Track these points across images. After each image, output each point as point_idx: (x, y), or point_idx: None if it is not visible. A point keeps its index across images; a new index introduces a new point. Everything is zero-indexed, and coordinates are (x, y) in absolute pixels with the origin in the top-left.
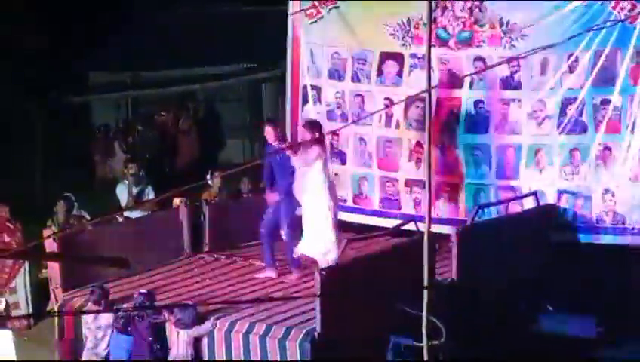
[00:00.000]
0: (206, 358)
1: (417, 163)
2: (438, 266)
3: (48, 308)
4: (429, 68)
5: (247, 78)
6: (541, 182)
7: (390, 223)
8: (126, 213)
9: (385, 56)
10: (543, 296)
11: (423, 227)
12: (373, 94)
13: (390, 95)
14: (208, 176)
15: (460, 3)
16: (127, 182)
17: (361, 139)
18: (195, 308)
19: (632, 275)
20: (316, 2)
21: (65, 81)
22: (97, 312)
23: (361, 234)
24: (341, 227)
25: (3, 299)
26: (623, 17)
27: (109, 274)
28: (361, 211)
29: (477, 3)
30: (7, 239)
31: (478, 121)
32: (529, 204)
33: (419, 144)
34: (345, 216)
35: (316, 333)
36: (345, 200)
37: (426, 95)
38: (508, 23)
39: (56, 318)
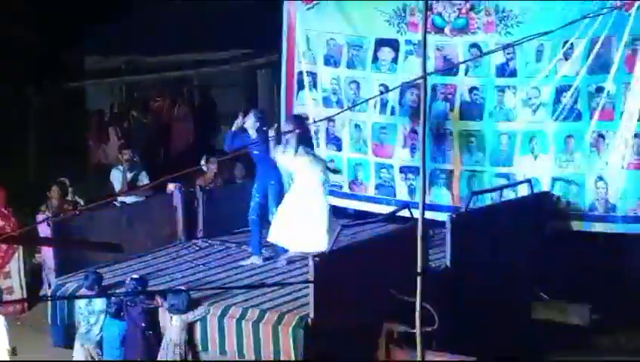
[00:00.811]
0: (199, 344)
1: (412, 149)
2: (431, 253)
3: (41, 293)
4: (425, 54)
5: (243, 64)
6: (535, 169)
7: (385, 210)
8: (121, 198)
9: (380, 43)
10: (537, 283)
11: (417, 214)
12: (369, 80)
13: (385, 81)
14: (202, 162)
15: None
16: (121, 167)
17: (357, 125)
18: (188, 294)
19: (626, 263)
20: None
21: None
22: (90, 297)
23: (356, 220)
24: (335, 214)
25: None
26: (618, 5)
27: (102, 260)
28: (356, 197)
29: None
30: (0, 223)
31: (473, 108)
32: (524, 191)
33: (414, 131)
34: (340, 202)
35: (310, 319)
36: (341, 187)
37: (421, 82)
38: (504, 10)
39: (49, 303)
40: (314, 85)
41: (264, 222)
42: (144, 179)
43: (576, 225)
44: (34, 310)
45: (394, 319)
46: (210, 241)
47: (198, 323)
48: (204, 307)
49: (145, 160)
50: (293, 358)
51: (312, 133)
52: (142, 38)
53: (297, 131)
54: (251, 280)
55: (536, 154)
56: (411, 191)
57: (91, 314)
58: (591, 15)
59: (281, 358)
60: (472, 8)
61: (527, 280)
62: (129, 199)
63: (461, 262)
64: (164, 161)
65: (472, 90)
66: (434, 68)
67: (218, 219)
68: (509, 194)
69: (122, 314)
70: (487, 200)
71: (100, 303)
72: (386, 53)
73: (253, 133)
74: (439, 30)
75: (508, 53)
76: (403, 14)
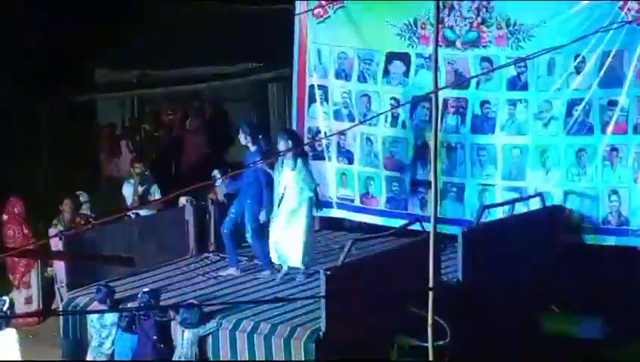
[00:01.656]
0: (211, 358)
1: (423, 163)
2: (443, 266)
3: (53, 307)
4: (436, 68)
5: (254, 77)
6: (547, 183)
7: (396, 223)
8: (132, 212)
9: (391, 56)
10: (549, 296)
11: (428, 227)
12: (380, 94)
13: (397, 95)
14: (215, 175)
15: (467, 3)
16: (132, 181)
17: (368, 139)
18: (200, 308)
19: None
20: (323, 2)
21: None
22: (102, 312)
23: (368, 234)
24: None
25: (6, 298)
26: (630, 19)
27: (114, 273)
28: (368, 211)
29: (484, 3)
30: (25, 231)
31: (484, 122)
32: (535, 205)
33: (425, 144)
34: (352, 216)
35: (321, 333)
36: (352, 200)
37: (432, 96)
38: (515, 23)
39: (61, 317)
40: (325, 99)
41: (239, 236)
42: (155, 193)
43: (590, 239)
44: (46, 323)
45: (406, 333)
46: (221, 255)
47: (210, 336)
48: (216, 321)
49: (156, 173)
50: None
51: (324, 146)
52: (154, 51)
53: (291, 146)
54: (262, 294)
55: (548, 167)
56: (423, 204)
57: (103, 328)
58: (602, 30)
59: None
60: (483, 22)
61: (539, 294)
62: (140, 213)
63: (473, 276)
64: (176, 174)
65: (483, 103)
66: (445, 81)
67: None
68: (520, 208)
69: (134, 327)
70: (499, 213)
71: (111, 317)
72: (397, 66)
73: (251, 146)
74: (450, 43)
75: (519, 67)
76: (414, 28)
